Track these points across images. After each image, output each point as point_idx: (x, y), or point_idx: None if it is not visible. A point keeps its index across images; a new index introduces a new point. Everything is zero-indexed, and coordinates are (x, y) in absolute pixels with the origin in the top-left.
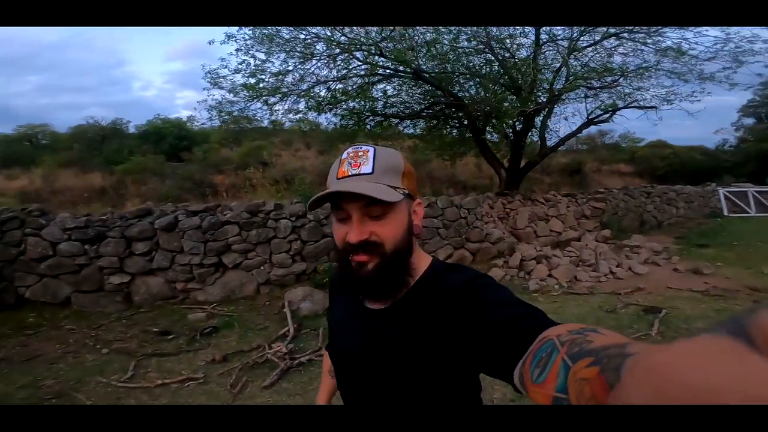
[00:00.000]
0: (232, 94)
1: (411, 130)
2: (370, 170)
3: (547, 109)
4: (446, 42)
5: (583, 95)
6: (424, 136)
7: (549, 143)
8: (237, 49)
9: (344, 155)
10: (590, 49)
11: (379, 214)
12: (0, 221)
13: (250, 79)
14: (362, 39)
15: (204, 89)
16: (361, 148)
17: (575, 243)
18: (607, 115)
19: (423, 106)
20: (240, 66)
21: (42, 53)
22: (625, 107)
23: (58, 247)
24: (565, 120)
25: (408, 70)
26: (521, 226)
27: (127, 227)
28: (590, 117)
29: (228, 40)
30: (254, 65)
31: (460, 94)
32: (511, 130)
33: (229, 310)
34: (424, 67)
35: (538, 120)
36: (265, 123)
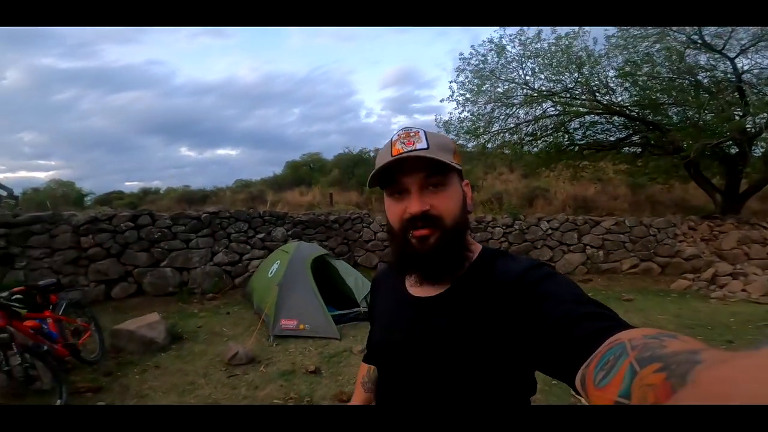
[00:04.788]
0: (456, 136)
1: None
2: (425, 146)
3: None
4: (642, 73)
5: None
6: (632, 162)
7: None
8: (458, 102)
9: (394, 137)
10: None
11: (437, 184)
12: (352, 219)
13: (471, 126)
14: (553, 89)
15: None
16: (411, 129)
17: None
18: None
19: (624, 135)
20: (461, 116)
21: (299, 88)
22: None
23: (377, 235)
24: None
25: (599, 107)
26: (727, 247)
27: None
28: None
29: (450, 98)
30: (470, 114)
31: (664, 122)
32: (723, 154)
33: None
34: (620, 99)
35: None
36: (469, 145)
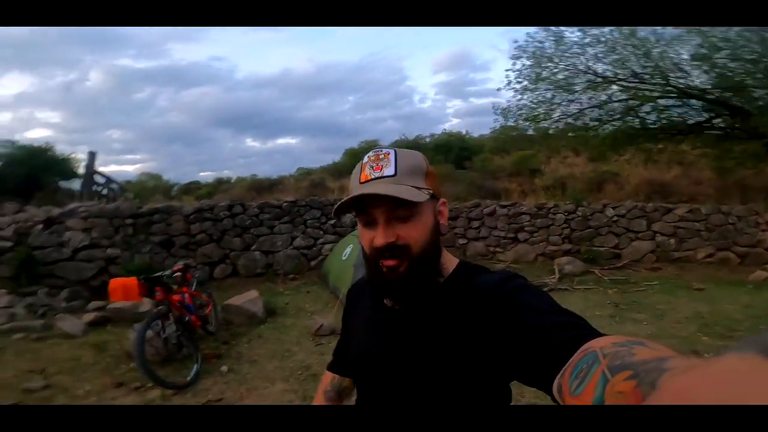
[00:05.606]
0: (514, 122)
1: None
2: (392, 172)
3: None
4: (720, 56)
5: None
6: (714, 146)
7: None
8: (515, 90)
9: (365, 159)
10: None
11: (405, 216)
12: None
13: (531, 114)
14: (618, 72)
15: (495, 120)
16: (381, 151)
17: None
18: None
19: (703, 118)
20: (519, 103)
21: (352, 76)
22: None
23: None
24: None
25: (673, 92)
26: None
27: (470, 212)
28: None
29: (507, 86)
30: (528, 101)
31: (746, 105)
32: None
33: (517, 267)
34: (698, 81)
35: None
36: (530, 131)
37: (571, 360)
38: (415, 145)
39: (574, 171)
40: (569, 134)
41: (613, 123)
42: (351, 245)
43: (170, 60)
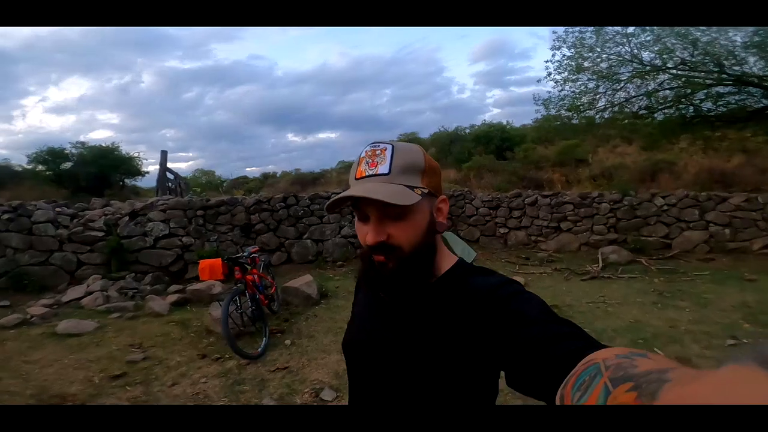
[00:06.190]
0: (555, 110)
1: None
2: (386, 170)
3: None
4: None
5: None
6: None
7: None
8: (556, 81)
9: (362, 153)
10: None
11: (396, 215)
12: (455, 195)
13: (574, 104)
14: (667, 60)
15: (536, 110)
16: (379, 146)
17: None
18: None
19: (765, 105)
20: (561, 94)
21: (388, 69)
22: None
23: (479, 210)
24: None
25: (728, 79)
26: None
27: (510, 201)
28: None
29: (547, 77)
30: (570, 92)
31: None
32: None
33: (559, 256)
34: (755, 69)
35: None
36: (574, 120)
37: (573, 371)
38: (454, 135)
39: (625, 160)
40: (618, 122)
41: (665, 111)
42: None
43: (214, 60)
